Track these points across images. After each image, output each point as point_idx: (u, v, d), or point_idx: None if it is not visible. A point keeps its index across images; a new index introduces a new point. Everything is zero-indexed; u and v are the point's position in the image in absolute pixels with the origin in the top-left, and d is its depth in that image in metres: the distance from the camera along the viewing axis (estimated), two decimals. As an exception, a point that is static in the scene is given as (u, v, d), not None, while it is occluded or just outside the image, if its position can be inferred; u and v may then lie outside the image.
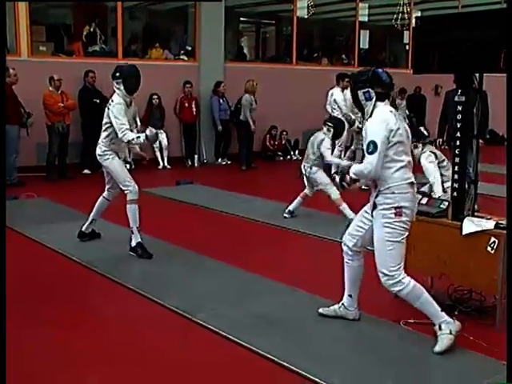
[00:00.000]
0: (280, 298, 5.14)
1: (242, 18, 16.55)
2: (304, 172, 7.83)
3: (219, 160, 13.04)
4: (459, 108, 4.79)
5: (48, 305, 4.96)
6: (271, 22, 17.27)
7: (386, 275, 4.14)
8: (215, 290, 5.32)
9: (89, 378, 3.83)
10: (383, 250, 4.13)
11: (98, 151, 6.24)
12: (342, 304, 4.63)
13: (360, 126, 11.09)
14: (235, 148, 13.10)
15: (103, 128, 6.22)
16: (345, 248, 4.50)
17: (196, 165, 12.70)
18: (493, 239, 4.44)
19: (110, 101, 6.09)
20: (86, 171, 11.00)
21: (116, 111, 5.95)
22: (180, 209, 8.76)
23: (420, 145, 6.92)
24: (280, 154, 13.79)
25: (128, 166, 11.47)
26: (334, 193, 7.53)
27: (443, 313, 4.16)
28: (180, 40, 14.20)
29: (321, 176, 7.71)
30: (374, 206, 4.19)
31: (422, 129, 6.97)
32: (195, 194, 9.67)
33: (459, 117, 4.79)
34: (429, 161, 6.88)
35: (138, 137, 5.97)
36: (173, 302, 4.97)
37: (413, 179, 4.17)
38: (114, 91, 6.11)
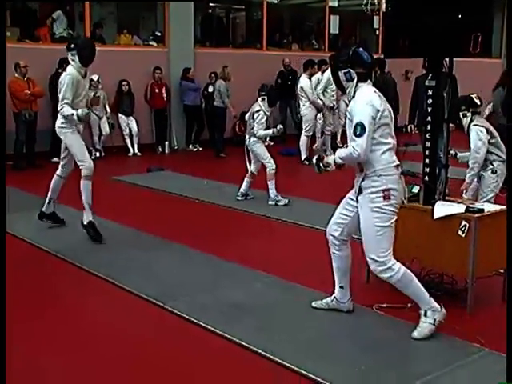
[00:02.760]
0: (253, 285, 5.12)
1: (211, 4, 16.38)
2: (246, 143, 8.05)
3: (190, 146, 12.95)
4: (430, 92, 4.80)
5: (13, 292, 4.86)
6: (241, 8, 17.13)
7: (376, 261, 4.05)
8: (188, 278, 5.29)
9: (54, 365, 3.80)
10: (372, 236, 4.03)
11: (57, 123, 6.22)
12: (334, 297, 4.50)
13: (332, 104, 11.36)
14: (206, 134, 13.02)
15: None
16: (330, 238, 4.35)
17: (167, 151, 12.60)
18: (464, 223, 4.46)
19: (63, 71, 6.14)
20: (56, 159, 10.80)
21: (65, 82, 5.97)
22: (151, 196, 8.69)
23: (469, 114, 6.17)
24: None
25: (98, 153, 11.42)
26: (270, 167, 7.88)
27: (431, 299, 4.12)
28: (149, 25, 14.04)
29: (258, 147, 7.95)
30: (360, 191, 4.08)
31: (473, 96, 6.25)
32: (166, 181, 9.58)
33: (430, 101, 4.80)
34: (479, 138, 6.04)
35: (72, 114, 5.97)
36: (143, 289, 4.93)
37: (397, 162, 4.10)
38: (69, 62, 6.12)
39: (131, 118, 12.21)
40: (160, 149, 12.56)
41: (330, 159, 4.25)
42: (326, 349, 4.02)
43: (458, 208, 4.59)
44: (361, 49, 4.15)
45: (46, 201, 6.62)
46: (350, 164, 4.13)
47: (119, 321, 4.49)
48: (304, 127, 11.38)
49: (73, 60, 6.04)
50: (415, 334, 4.07)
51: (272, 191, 7.91)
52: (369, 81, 4.13)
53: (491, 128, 6.18)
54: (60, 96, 6.01)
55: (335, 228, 4.33)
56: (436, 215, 4.59)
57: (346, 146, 4.13)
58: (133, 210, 7.70)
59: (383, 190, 4.00)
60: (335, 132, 12.49)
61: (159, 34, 13.09)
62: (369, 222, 4.04)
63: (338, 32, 16.07)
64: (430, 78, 4.81)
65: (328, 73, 11.72)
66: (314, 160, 4.34)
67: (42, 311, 4.66)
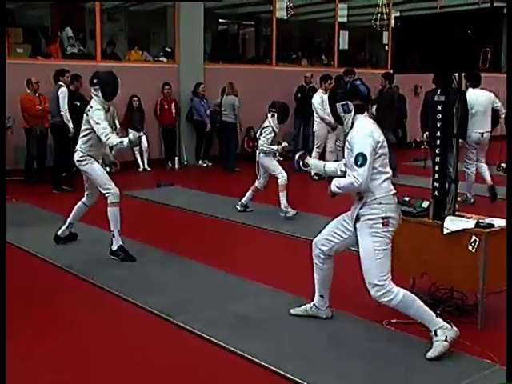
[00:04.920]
0: (260, 299, 5.14)
1: (221, 20, 16.51)
2: (257, 158, 8.16)
3: (200, 162, 12.99)
4: (439, 108, 4.80)
5: (23, 307, 4.90)
6: (251, 24, 17.25)
7: (377, 285, 4.08)
8: (196, 292, 5.29)
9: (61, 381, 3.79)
10: (372, 260, 4.08)
11: (76, 157, 6.23)
12: (314, 304, 4.64)
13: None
14: (215, 149, 13.06)
15: (82, 134, 6.20)
16: (317, 251, 4.48)
17: (176, 167, 12.64)
18: (474, 238, 4.45)
19: (89, 107, 6.08)
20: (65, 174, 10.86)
21: (96, 117, 5.95)
22: (160, 211, 8.71)
23: None
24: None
25: (108, 168, 11.45)
26: (281, 178, 7.96)
27: (439, 318, 4.09)
28: (159, 41, 14.15)
29: (268, 161, 8.07)
30: (357, 218, 4.16)
31: None
32: (176, 196, 9.62)
33: (439, 116, 4.80)
34: None
35: (122, 142, 5.91)
36: (153, 304, 4.94)
37: (394, 190, 4.19)
38: (92, 97, 6.12)
39: (141, 133, 12.24)
40: (170, 164, 12.61)
41: (310, 161, 4.68)
42: (337, 364, 3.99)
43: (467, 223, 4.57)
44: (358, 81, 4.37)
45: (65, 225, 6.60)
46: (348, 193, 4.19)
47: (128, 336, 4.49)
48: (315, 143, 11.39)
49: (96, 95, 6.05)
50: (429, 354, 4.02)
51: (283, 202, 7.92)
52: (366, 113, 4.22)
53: None
54: (100, 130, 5.88)
55: (324, 243, 4.44)
56: (446, 230, 4.57)
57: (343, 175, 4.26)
58: (142, 225, 7.72)
59: (382, 218, 4.08)
60: None
61: (169, 50, 13.19)
62: (368, 248, 4.10)
63: (347, 47, 16.13)
64: (439, 93, 4.82)
65: None
66: (297, 156, 4.67)
67: (49, 325, 4.66)
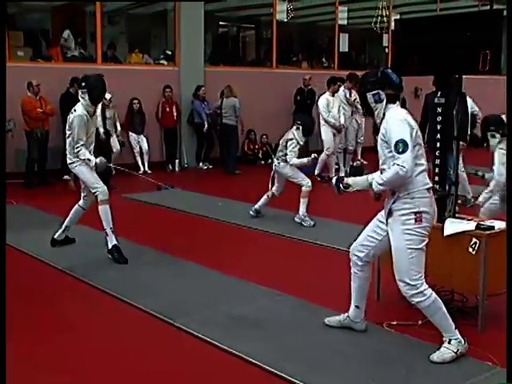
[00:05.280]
0: (260, 301, 5.13)
1: (221, 22, 16.53)
2: (274, 167, 8.02)
3: (200, 164, 12.99)
4: (439, 110, 4.80)
5: (23, 309, 4.90)
6: (251, 26, 17.27)
7: (408, 284, 3.96)
8: (197, 295, 5.29)
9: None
10: (404, 259, 3.95)
11: (68, 160, 6.34)
12: (348, 316, 4.47)
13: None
14: (216, 152, 13.06)
15: (67, 135, 6.28)
16: (354, 258, 4.31)
17: (177, 169, 12.64)
18: (474, 240, 4.45)
19: (73, 109, 6.18)
20: (67, 177, 10.87)
21: (76, 123, 6.06)
22: (160, 214, 8.70)
23: (498, 135, 5.86)
24: (261, 157, 13.70)
25: (114, 171, 11.43)
26: (306, 184, 7.80)
27: (456, 330, 4.05)
28: (160, 44, 14.16)
29: (288, 170, 7.88)
30: (389, 214, 4.02)
31: (503, 117, 5.76)
32: (176, 198, 9.60)
33: (439, 119, 4.81)
34: (502, 162, 5.71)
35: (90, 160, 6.11)
36: (153, 307, 4.93)
37: (430, 184, 4.04)
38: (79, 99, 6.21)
39: (142, 136, 12.28)
40: (170, 167, 12.61)
41: (350, 181, 4.26)
42: (336, 366, 3.99)
43: (468, 225, 4.57)
44: (389, 70, 4.13)
45: (61, 228, 6.64)
46: (395, 186, 3.96)
47: (126, 337, 4.48)
48: (324, 147, 11.28)
49: (82, 98, 6.11)
50: (435, 357, 3.99)
51: (302, 210, 7.80)
52: (398, 102, 4.05)
53: None
54: (75, 138, 6.08)
55: (361, 249, 4.29)
56: (446, 232, 4.57)
57: (381, 172, 4.03)
58: (142, 228, 7.72)
59: (415, 213, 3.92)
60: (354, 149, 12.48)
61: (170, 52, 13.19)
62: (400, 245, 3.96)
63: (347, 50, 16.14)
64: (439, 95, 4.82)
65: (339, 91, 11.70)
66: (334, 181, 4.32)
67: (49, 326, 4.67)
